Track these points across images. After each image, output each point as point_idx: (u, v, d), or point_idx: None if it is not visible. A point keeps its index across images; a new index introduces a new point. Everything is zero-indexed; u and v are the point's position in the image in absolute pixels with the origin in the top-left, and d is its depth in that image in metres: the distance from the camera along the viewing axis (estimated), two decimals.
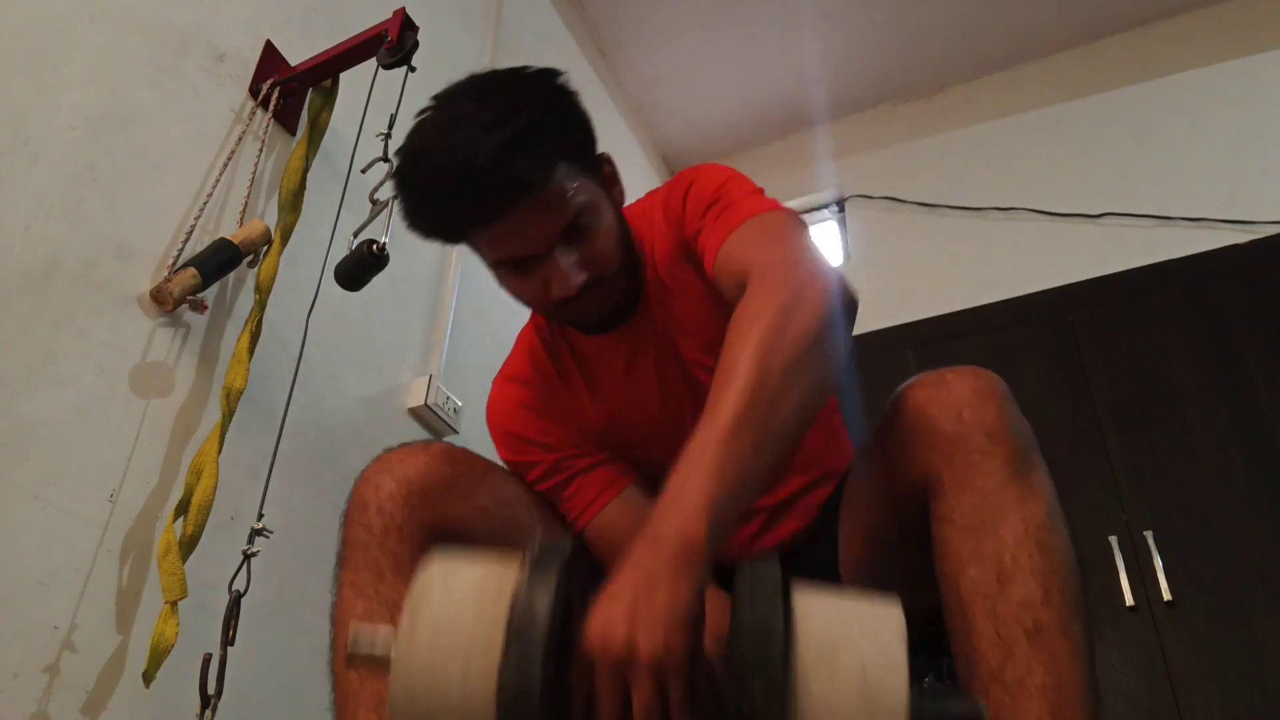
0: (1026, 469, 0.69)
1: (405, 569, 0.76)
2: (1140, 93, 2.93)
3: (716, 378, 0.70)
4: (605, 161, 0.94)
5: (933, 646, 0.91)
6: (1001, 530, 0.66)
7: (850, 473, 0.85)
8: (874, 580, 0.82)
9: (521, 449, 0.98)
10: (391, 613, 0.74)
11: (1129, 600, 2.01)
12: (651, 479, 0.94)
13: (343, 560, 0.79)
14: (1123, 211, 2.73)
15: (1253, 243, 2.44)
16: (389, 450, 0.83)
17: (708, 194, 0.92)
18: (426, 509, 0.79)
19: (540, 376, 1.02)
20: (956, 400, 0.71)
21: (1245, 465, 2.08)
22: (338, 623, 0.76)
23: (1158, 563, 2.03)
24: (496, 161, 0.79)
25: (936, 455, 0.70)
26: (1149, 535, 2.06)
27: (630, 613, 0.55)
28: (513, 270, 0.88)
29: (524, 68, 0.90)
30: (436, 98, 0.88)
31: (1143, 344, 2.34)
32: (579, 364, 1.01)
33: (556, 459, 0.97)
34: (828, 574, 0.86)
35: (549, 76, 0.89)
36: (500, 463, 1.00)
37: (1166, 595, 1.99)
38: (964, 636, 0.66)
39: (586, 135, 0.91)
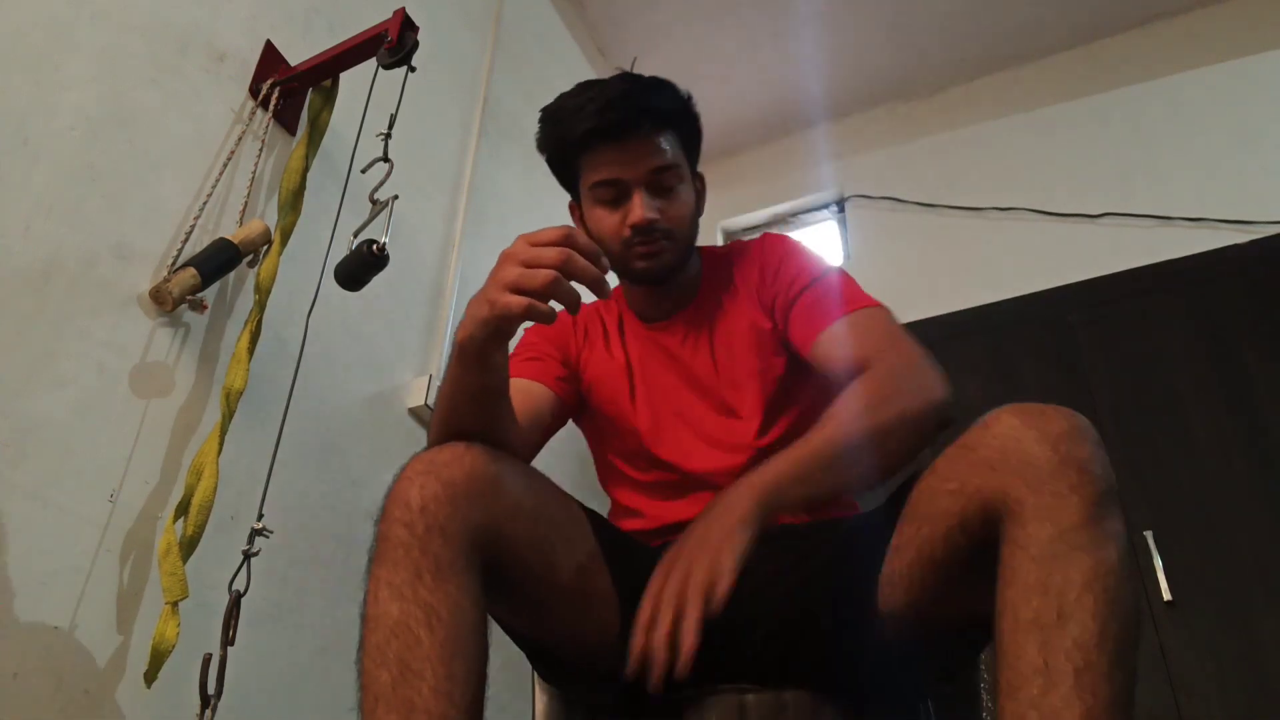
0: (1107, 513, 0.69)
1: (445, 572, 0.74)
2: (1140, 93, 2.93)
3: (828, 412, 0.89)
4: (699, 176, 1.15)
5: (944, 669, 0.91)
6: (1072, 568, 0.67)
7: (915, 486, 0.83)
8: (910, 594, 0.82)
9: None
10: (427, 616, 0.72)
11: None
12: (622, 434, 1.11)
13: (379, 558, 0.76)
14: (1123, 211, 2.73)
15: (1253, 243, 2.44)
16: (430, 450, 0.82)
17: (810, 268, 1.07)
18: (470, 511, 0.77)
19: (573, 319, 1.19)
20: (1055, 432, 0.71)
21: (1245, 465, 2.08)
22: (369, 621, 0.74)
23: (1158, 563, 2.03)
24: (627, 93, 1.03)
25: (1023, 480, 0.70)
26: (1149, 535, 2.06)
27: (694, 548, 0.80)
28: (602, 200, 1.06)
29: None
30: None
31: (1143, 344, 2.34)
32: (621, 330, 1.16)
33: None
34: (867, 585, 0.85)
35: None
36: None
37: (1166, 595, 1.99)
38: (1011, 660, 0.66)
39: (696, 136, 1.12)
